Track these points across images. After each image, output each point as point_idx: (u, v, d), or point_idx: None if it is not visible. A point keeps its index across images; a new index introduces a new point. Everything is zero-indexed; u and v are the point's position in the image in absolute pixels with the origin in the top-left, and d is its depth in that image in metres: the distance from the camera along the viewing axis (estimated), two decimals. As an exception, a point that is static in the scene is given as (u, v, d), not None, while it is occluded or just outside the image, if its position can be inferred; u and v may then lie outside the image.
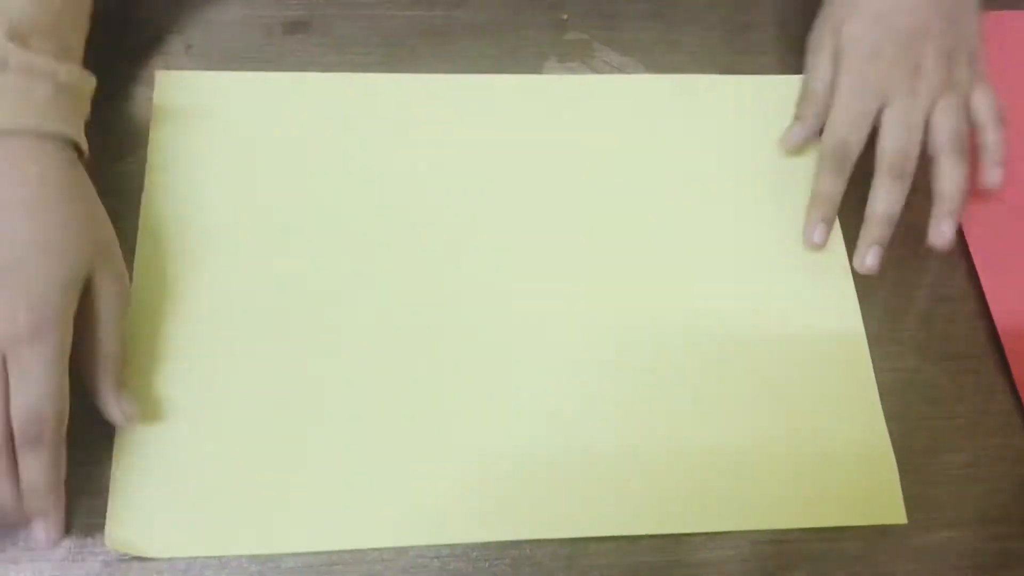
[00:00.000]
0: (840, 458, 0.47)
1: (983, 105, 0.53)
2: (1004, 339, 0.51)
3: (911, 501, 0.47)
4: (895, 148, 0.51)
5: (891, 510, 0.46)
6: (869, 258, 0.51)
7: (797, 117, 0.55)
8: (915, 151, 0.51)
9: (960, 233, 0.54)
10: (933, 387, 0.50)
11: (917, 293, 0.53)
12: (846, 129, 0.52)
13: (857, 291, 0.52)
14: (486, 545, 0.44)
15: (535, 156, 0.53)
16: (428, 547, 0.44)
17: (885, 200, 0.51)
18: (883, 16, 0.52)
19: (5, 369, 0.39)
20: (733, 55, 0.59)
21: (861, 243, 0.51)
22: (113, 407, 0.43)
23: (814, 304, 0.51)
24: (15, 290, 0.39)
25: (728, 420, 0.47)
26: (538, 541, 0.45)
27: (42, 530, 0.41)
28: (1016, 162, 0.56)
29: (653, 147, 0.54)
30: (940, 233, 0.51)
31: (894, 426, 0.49)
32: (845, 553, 0.46)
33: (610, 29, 0.59)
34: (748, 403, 0.48)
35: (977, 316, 0.52)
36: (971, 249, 0.54)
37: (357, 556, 0.44)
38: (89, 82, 0.46)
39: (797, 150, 0.55)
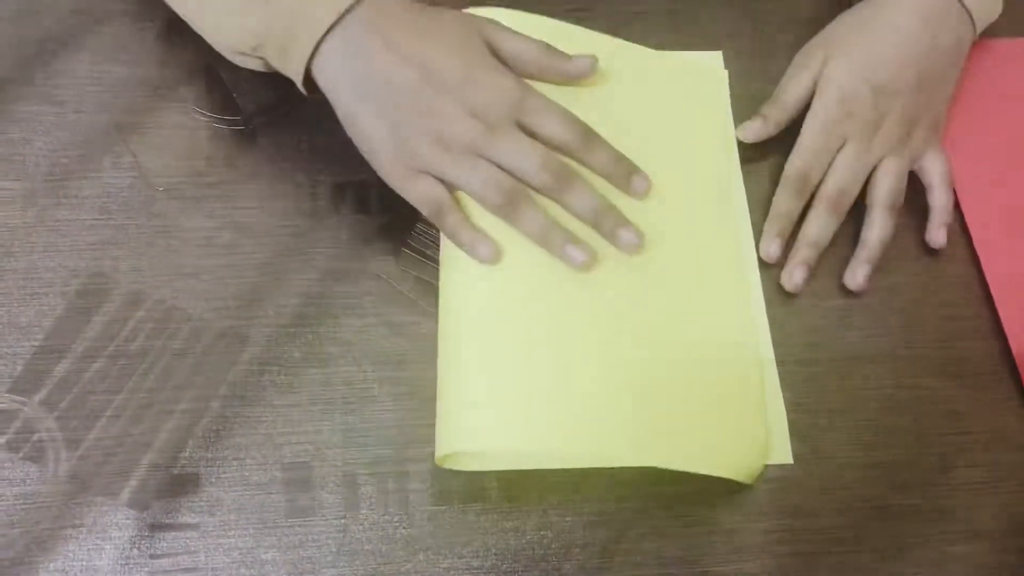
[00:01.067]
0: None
1: (935, 169, 0.56)
2: (1018, 357, 0.52)
3: (929, 515, 0.49)
4: (837, 186, 0.54)
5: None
6: (797, 275, 0.53)
7: (761, 115, 0.58)
8: (853, 193, 0.55)
9: (974, 253, 0.56)
10: (949, 404, 0.52)
11: (933, 312, 0.54)
12: (809, 159, 0.55)
13: (876, 310, 0.54)
14: (516, 556, 0.46)
15: None
16: (459, 559, 0.46)
17: (817, 229, 0.54)
18: (865, 66, 0.55)
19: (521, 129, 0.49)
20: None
21: (790, 262, 0.54)
22: None
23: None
24: (487, 71, 0.49)
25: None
26: (566, 556, 0.46)
27: (641, 182, 0.51)
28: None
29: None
30: (854, 277, 0.54)
31: (910, 440, 0.50)
32: (865, 566, 0.47)
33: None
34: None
35: (992, 335, 0.54)
36: (984, 269, 0.55)
37: (392, 569, 0.45)
38: None
39: (751, 142, 0.57)
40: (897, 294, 0.54)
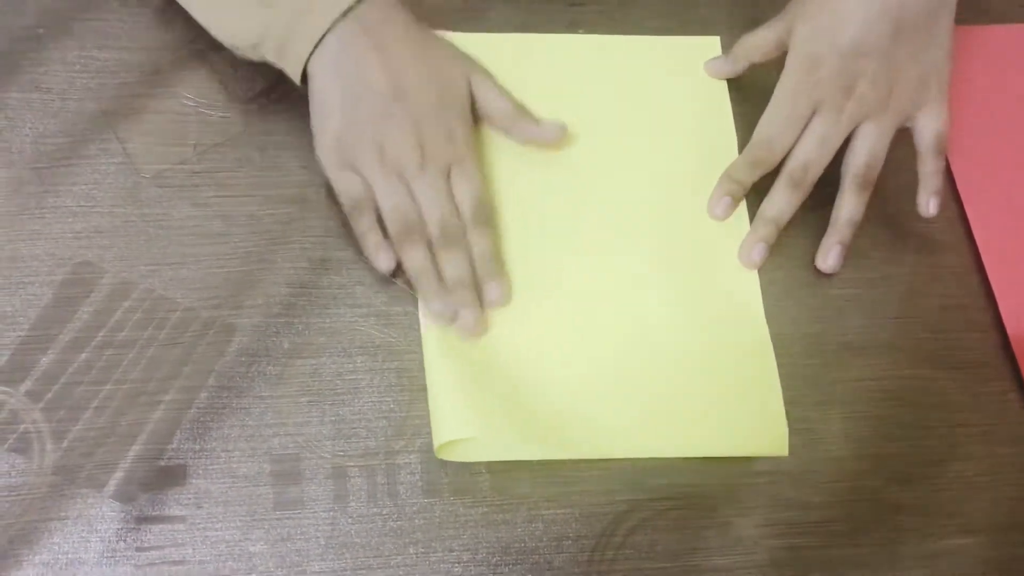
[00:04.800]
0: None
1: (927, 131, 0.52)
2: (1016, 348, 0.52)
3: (925, 508, 0.48)
4: (800, 160, 0.52)
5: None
6: (755, 253, 0.52)
7: (730, 55, 0.57)
8: (819, 166, 0.52)
9: (973, 243, 0.55)
10: (946, 395, 0.51)
11: (930, 302, 0.54)
12: (775, 128, 0.53)
13: (873, 301, 0.53)
14: (506, 549, 0.45)
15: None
16: (449, 552, 0.45)
17: (776, 206, 0.52)
18: (832, 26, 0.52)
19: (448, 179, 0.50)
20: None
21: (749, 239, 0.53)
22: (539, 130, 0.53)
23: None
24: (451, 118, 0.50)
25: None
26: (558, 549, 0.46)
27: (496, 289, 0.49)
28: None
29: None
30: (826, 259, 0.52)
31: (907, 433, 0.50)
32: (860, 559, 0.47)
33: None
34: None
35: (989, 325, 0.53)
36: (983, 259, 0.54)
37: (382, 562, 0.45)
38: None
39: (713, 77, 0.58)
40: (894, 284, 0.54)
